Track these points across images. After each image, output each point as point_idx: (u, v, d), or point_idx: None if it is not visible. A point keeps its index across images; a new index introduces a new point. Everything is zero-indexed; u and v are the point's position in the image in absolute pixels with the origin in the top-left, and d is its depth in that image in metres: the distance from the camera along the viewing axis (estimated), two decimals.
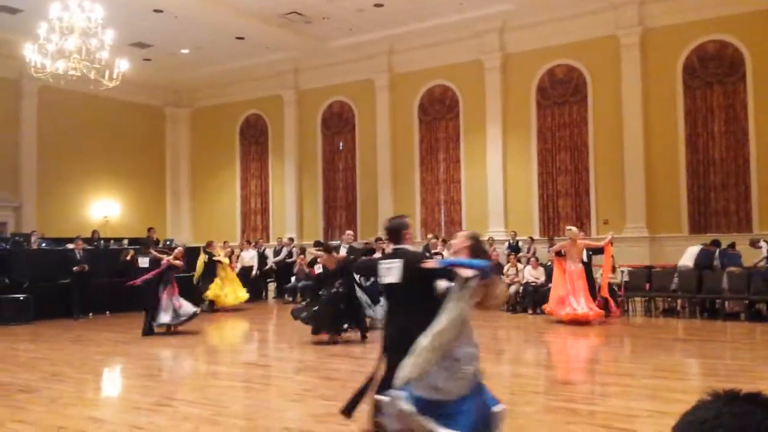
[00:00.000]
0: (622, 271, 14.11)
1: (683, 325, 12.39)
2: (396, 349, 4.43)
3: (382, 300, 8.22)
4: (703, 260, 13.51)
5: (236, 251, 18.90)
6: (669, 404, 6.13)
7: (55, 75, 12.66)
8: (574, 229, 13.11)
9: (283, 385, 7.37)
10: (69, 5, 12.29)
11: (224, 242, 19.27)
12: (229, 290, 15.85)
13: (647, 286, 13.77)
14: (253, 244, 19.21)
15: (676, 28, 15.62)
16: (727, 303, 12.96)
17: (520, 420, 5.89)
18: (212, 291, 15.64)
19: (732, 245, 13.64)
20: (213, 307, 15.67)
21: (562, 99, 17.13)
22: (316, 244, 11.97)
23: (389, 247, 5.41)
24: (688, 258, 13.62)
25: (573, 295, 12.25)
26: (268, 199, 22.17)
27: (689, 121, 15.61)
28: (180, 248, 13.24)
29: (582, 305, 12.11)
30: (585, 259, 12.75)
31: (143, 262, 12.77)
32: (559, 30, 16.83)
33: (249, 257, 18.39)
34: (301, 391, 7.06)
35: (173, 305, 11.86)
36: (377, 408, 4.48)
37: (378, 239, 13.74)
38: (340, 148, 20.75)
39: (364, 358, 9.74)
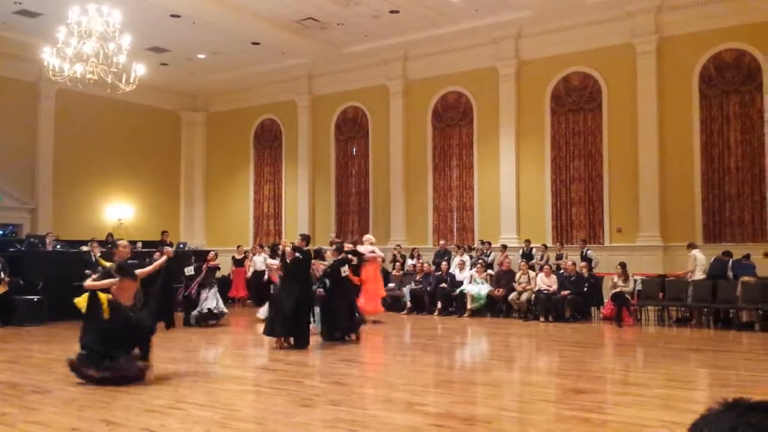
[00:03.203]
0: (635, 280, 14.03)
1: (696, 335, 12.29)
2: None
3: None
4: (717, 270, 13.43)
5: (249, 255, 18.98)
6: (682, 414, 6.08)
7: (73, 78, 12.77)
8: (366, 236, 14.49)
9: (294, 390, 7.38)
10: (87, 10, 12.41)
11: (238, 246, 19.39)
12: None
13: (660, 295, 13.69)
14: (266, 248, 19.26)
15: (693, 36, 15.54)
16: (741, 313, 12.86)
17: (531, 429, 5.87)
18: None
19: (746, 256, 13.54)
20: None
21: (576, 106, 17.08)
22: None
23: None
24: (694, 265, 13.61)
25: (366, 294, 13.92)
26: (281, 204, 22.24)
27: (705, 129, 15.51)
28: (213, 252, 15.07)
29: (371, 305, 13.89)
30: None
31: (188, 270, 13.31)
32: (575, 37, 16.80)
33: (261, 262, 18.42)
34: (311, 395, 7.06)
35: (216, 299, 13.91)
36: None
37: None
38: (354, 153, 20.80)
39: (373, 363, 9.75)
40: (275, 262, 12.63)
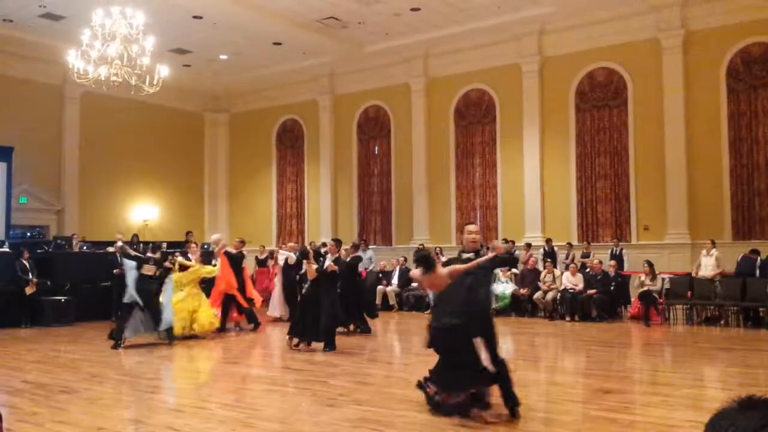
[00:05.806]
0: (663, 279, 13.83)
1: (725, 334, 12.08)
2: None
3: None
4: (745, 268, 13.20)
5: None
6: (711, 415, 5.95)
7: (98, 81, 12.90)
8: (214, 236, 13.74)
9: (318, 390, 7.36)
10: (111, 12, 12.52)
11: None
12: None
13: (689, 293, 13.48)
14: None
15: (720, 30, 15.28)
16: None
17: (557, 429, 5.79)
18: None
19: None
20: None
21: (601, 102, 16.88)
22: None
23: None
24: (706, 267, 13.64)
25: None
26: (303, 204, 22.29)
27: (733, 125, 15.25)
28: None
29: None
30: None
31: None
32: (599, 33, 16.60)
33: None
34: (335, 395, 7.03)
35: None
36: None
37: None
38: (376, 152, 20.77)
39: (398, 363, 9.71)
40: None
